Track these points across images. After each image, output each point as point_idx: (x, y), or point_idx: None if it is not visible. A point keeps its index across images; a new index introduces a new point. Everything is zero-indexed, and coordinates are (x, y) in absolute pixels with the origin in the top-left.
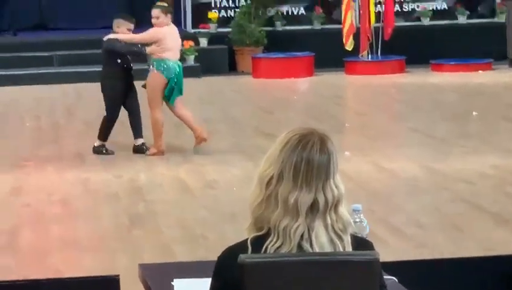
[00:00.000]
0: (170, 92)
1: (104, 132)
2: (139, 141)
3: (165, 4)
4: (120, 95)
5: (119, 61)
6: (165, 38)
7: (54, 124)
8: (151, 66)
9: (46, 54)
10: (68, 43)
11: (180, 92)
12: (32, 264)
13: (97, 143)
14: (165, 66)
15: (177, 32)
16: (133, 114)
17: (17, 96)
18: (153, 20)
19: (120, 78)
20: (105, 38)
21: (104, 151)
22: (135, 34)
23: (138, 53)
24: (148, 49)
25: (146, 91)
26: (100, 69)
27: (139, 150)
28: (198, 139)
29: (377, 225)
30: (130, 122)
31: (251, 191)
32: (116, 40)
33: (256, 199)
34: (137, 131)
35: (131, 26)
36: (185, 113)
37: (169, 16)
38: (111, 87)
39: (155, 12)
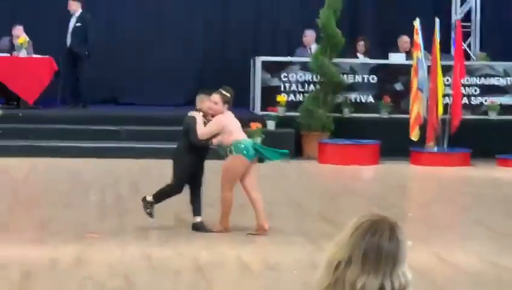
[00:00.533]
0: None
1: (160, 195)
2: (198, 219)
3: (228, 94)
4: (190, 170)
5: (192, 141)
6: (228, 124)
7: (119, 197)
8: (229, 154)
9: (114, 127)
10: (136, 119)
11: (277, 155)
12: None
13: (149, 198)
14: (242, 145)
15: (233, 116)
16: (195, 192)
17: (83, 168)
18: (210, 104)
19: (194, 154)
20: (189, 114)
21: (148, 209)
22: (201, 128)
23: (205, 147)
24: (215, 141)
25: (222, 171)
26: (165, 146)
27: (197, 227)
28: (258, 227)
29: None
30: (190, 200)
31: (318, 274)
32: (196, 122)
33: (324, 282)
34: (197, 209)
35: (218, 98)
36: (256, 197)
37: (226, 105)
38: (183, 161)
39: (215, 97)
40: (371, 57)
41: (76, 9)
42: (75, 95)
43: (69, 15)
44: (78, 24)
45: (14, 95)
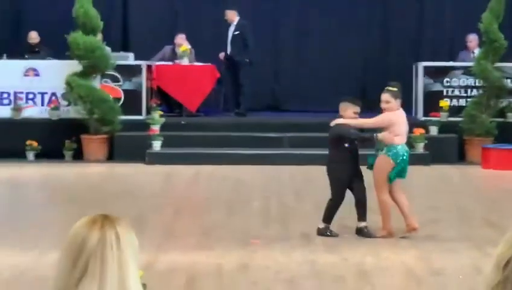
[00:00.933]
0: (394, 175)
1: (329, 214)
2: (362, 224)
3: (395, 89)
4: (347, 179)
5: (347, 145)
6: (397, 124)
7: (282, 204)
8: (379, 151)
9: (276, 134)
10: (297, 125)
11: (403, 176)
12: None
13: (321, 225)
14: (395, 150)
15: (405, 117)
16: (358, 197)
17: (245, 175)
18: (383, 105)
19: (347, 162)
20: (332, 124)
21: (328, 233)
22: (364, 118)
23: (369, 140)
24: (379, 136)
25: (372, 174)
26: (326, 152)
27: (361, 232)
28: (408, 228)
29: None
30: (355, 205)
31: (487, 273)
32: (346, 125)
33: (493, 280)
34: (361, 214)
35: (358, 109)
36: (400, 199)
37: (398, 100)
38: (338, 171)
39: (385, 96)
40: None
41: (233, 18)
42: (237, 102)
43: (227, 24)
44: (237, 32)
45: (177, 103)
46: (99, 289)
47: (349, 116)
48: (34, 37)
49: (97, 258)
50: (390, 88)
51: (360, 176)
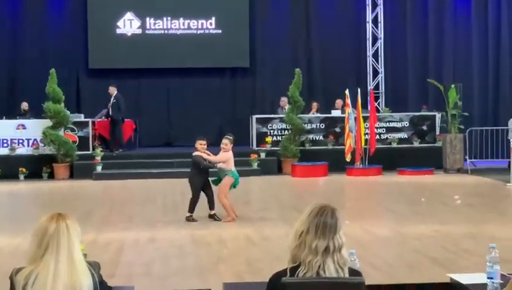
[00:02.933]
0: (233, 186)
1: (191, 207)
2: (212, 212)
3: (231, 137)
4: (200, 185)
5: (201, 167)
6: (231, 159)
7: (173, 201)
8: (225, 174)
9: (170, 160)
10: (183, 154)
11: (236, 186)
12: (178, 279)
13: (188, 214)
14: (235, 174)
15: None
16: (208, 195)
17: (153, 185)
18: (222, 146)
19: (201, 176)
20: (194, 154)
21: (191, 219)
22: (212, 155)
23: (210, 167)
24: (218, 166)
25: (219, 187)
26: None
27: (212, 217)
28: (229, 218)
29: (363, 263)
30: (207, 201)
31: (290, 240)
32: (202, 157)
33: (293, 244)
34: (211, 205)
35: (204, 142)
36: (224, 201)
37: (231, 145)
38: (195, 180)
39: (225, 141)
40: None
41: (113, 92)
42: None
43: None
44: (114, 101)
45: (110, 143)
46: (56, 258)
47: (199, 147)
48: (25, 105)
49: (54, 240)
50: (228, 136)
51: (209, 185)
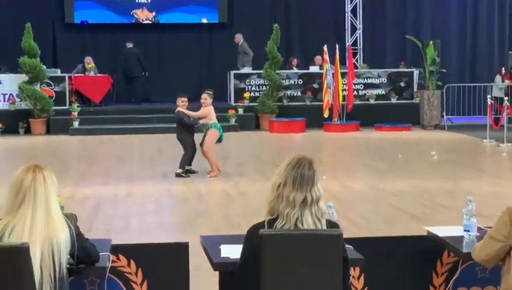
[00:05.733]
0: (221, 138)
1: (182, 164)
2: (188, 167)
3: (210, 92)
4: (191, 142)
5: (182, 123)
6: (212, 113)
7: (151, 157)
8: (209, 128)
9: (148, 115)
10: (162, 110)
11: (222, 140)
12: (133, 234)
13: (179, 171)
14: (217, 126)
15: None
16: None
17: (132, 140)
18: (202, 101)
19: (189, 132)
20: (176, 111)
21: (183, 175)
22: (192, 111)
23: (192, 124)
24: (201, 121)
25: (205, 141)
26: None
27: (190, 171)
28: (213, 174)
29: (340, 217)
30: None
31: (267, 192)
32: (184, 114)
33: (271, 196)
34: (189, 162)
35: (185, 99)
36: (211, 156)
37: (211, 98)
38: (185, 137)
39: (204, 96)
40: (299, 69)
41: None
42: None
43: (122, 50)
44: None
45: (87, 99)
46: (32, 208)
47: (180, 104)
48: None
49: (31, 190)
50: (207, 91)
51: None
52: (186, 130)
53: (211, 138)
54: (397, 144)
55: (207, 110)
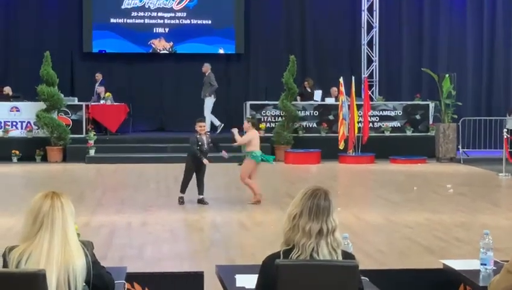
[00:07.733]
0: (263, 159)
1: (183, 185)
2: (201, 196)
3: (253, 120)
4: (190, 167)
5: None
6: (254, 139)
7: (167, 186)
8: (246, 156)
9: (163, 145)
10: (176, 139)
11: (270, 160)
12: (154, 265)
13: (180, 195)
14: (254, 155)
15: (258, 134)
16: (199, 180)
17: (146, 169)
18: (244, 127)
19: (191, 156)
20: (231, 129)
21: (181, 202)
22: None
23: (197, 154)
24: (241, 144)
25: (240, 170)
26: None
27: (201, 201)
28: (257, 199)
29: (355, 249)
30: (197, 184)
31: (283, 223)
32: (196, 138)
33: (287, 227)
34: (201, 190)
35: (204, 124)
36: (248, 183)
37: (249, 124)
38: (186, 160)
39: (246, 124)
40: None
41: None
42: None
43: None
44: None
45: (103, 127)
46: (50, 235)
47: (198, 129)
48: (8, 90)
49: (49, 217)
50: (248, 117)
51: (202, 167)
52: (190, 153)
53: (244, 166)
54: (412, 176)
55: (246, 137)
